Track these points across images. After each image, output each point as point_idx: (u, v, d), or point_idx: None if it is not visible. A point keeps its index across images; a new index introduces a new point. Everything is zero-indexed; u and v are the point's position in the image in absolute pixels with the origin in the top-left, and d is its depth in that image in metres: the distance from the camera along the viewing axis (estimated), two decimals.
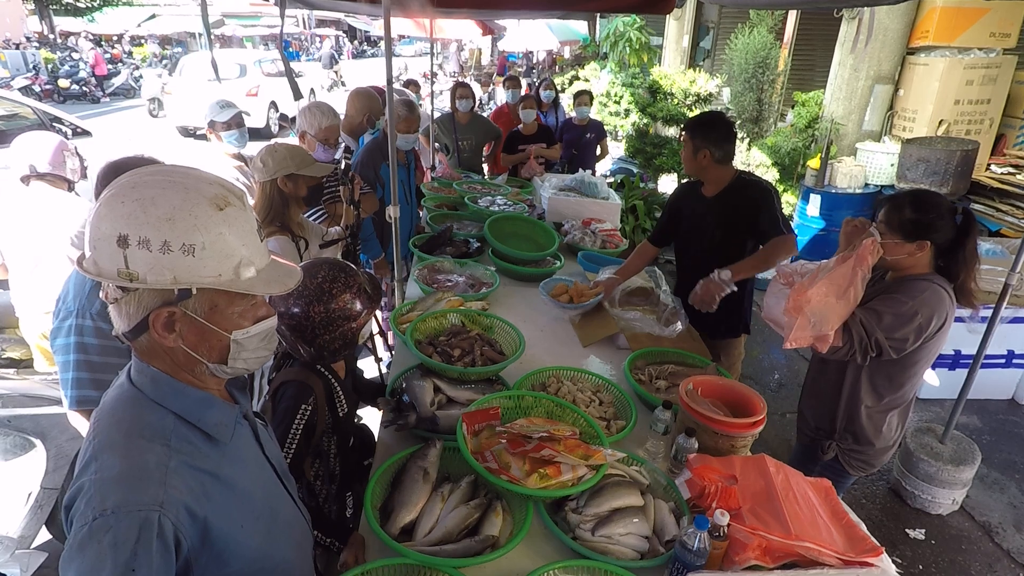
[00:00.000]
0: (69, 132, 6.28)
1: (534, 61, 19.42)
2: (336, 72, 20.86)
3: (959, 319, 3.66)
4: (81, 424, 1.81)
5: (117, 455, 0.85)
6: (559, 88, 6.26)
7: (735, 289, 2.32)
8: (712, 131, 2.44)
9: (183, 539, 0.85)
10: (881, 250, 1.74)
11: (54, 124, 6.16)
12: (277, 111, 12.80)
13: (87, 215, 0.88)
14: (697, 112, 7.16)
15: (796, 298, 1.66)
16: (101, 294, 0.91)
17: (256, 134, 11.52)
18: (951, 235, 1.75)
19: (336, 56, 22.53)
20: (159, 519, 0.81)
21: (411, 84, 6.15)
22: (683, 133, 2.52)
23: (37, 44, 20.97)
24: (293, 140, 3.02)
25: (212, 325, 0.92)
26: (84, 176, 2.77)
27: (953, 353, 3.72)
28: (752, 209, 2.44)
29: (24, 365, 2.72)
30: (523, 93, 5.43)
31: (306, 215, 2.79)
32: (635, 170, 7.27)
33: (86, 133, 6.58)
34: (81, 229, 1.90)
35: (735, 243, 2.51)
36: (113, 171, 1.88)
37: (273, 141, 2.35)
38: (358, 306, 1.57)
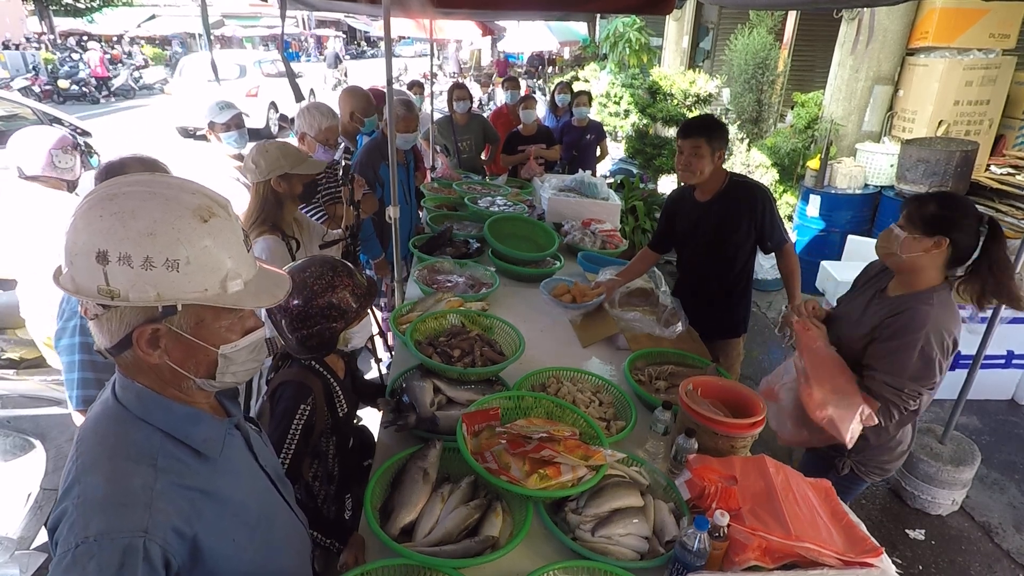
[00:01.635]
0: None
1: (536, 65, 19.31)
2: (342, 71, 21.26)
3: None
4: None
5: (101, 477, 0.83)
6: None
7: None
8: (719, 131, 2.41)
9: (172, 559, 0.83)
10: (812, 324, 1.87)
11: (54, 125, 6.17)
12: (277, 111, 12.83)
13: (64, 227, 0.84)
14: (697, 113, 7.18)
15: (815, 412, 1.75)
16: (80, 309, 0.87)
17: (256, 134, 11.62)
18: (972, 242, 1.68)
19: (340, 56, 22.96)
20: (144, 544, 0.79)
21: (415, 86, 6.13)
22: (694, 141, 2.40)
23: (37, 45, 20.99)
24: (292, 141, 3.03)
25: (199, 340, 0.89)
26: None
27: None
28: (749, 211, 2.45)
29: (25, 366, 2.73)
30: (523, 94, 5.43)
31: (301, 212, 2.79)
32: (635, 171, 7.28)
33: (86, 134, 6.60)
34: None
35: (732, 244, 2.52)
36: (111, 172, 1.88)
37: (264, 141, 2.33)
38: (340, 308, 1.56)
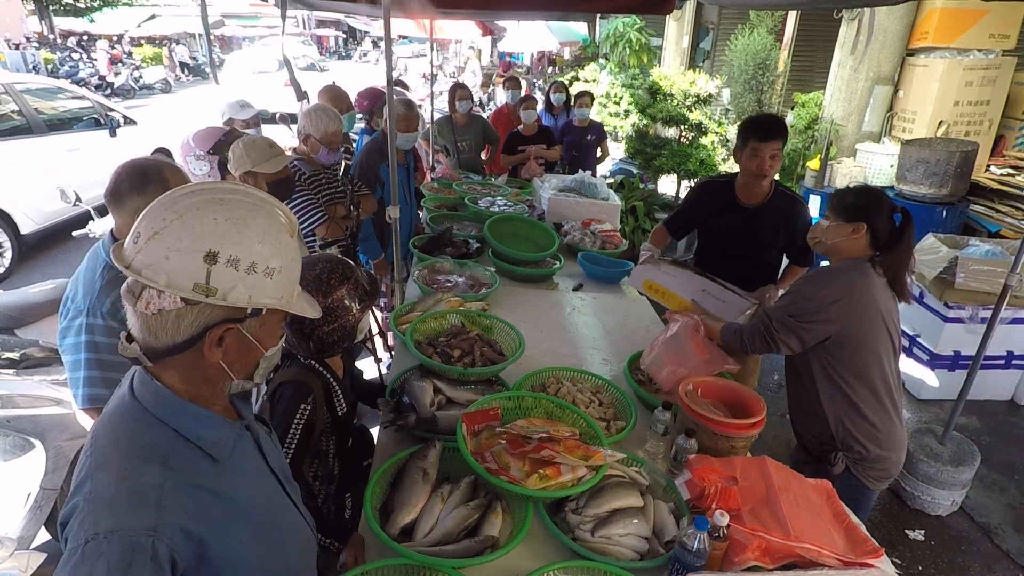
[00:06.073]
0: (121, 121, 7.01)
1: (540, 65, 19.30)
2: (373, 60, 24.38)
3: (958, 320, 3.67)
4: (89, 423, 1.81)
5: (112, 475, 0.84)
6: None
7: None
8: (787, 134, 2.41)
9: (179, 559, 0.83)
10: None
11: (108, 114, 6.85)
12: (309, 101, 13.36)
13: (141, 220, 0.88)
14: (698, 114, 7.16)
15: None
16: (141, 305, 0.87)
17: (291, 119, 12.70)
18: (888, 227, 1.85)
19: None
20: (153, 543, 0.80)
21: (399, 84, 6.13)
22: (774, 145, 2.36)
23: (37, 44, 21.00)
24: (293, 141, 3.03)
25: (258, 343, 0.96)
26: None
27: (952, 354, 3.73)
28: (789, 222, 2.48)
29: (25, 365, 2.72)
30: (523, 94, 5.43)
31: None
32: (635, 171, 7.27)
33: (132, 122, 7.27)
34: None
35: (770, 251, 2.53)
36: (138, 171, 1.77)
37: (241, 138, 2.34)
38: (356, 297, 1.61)
